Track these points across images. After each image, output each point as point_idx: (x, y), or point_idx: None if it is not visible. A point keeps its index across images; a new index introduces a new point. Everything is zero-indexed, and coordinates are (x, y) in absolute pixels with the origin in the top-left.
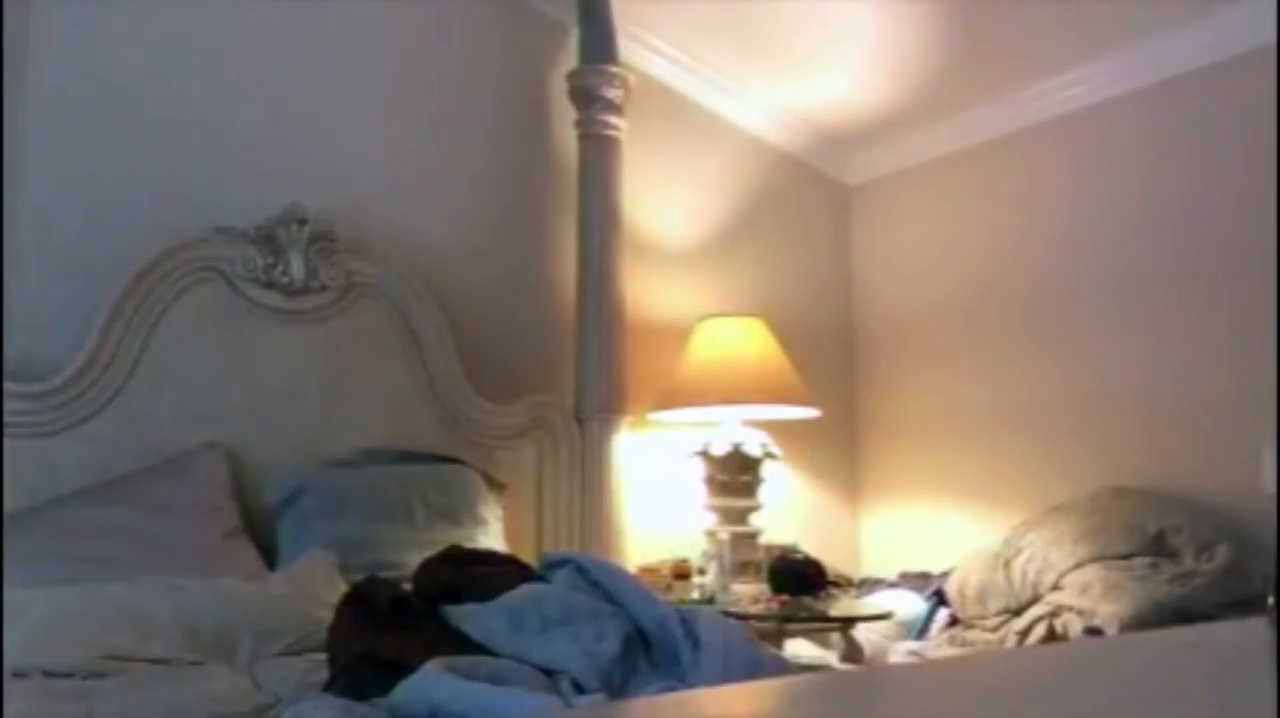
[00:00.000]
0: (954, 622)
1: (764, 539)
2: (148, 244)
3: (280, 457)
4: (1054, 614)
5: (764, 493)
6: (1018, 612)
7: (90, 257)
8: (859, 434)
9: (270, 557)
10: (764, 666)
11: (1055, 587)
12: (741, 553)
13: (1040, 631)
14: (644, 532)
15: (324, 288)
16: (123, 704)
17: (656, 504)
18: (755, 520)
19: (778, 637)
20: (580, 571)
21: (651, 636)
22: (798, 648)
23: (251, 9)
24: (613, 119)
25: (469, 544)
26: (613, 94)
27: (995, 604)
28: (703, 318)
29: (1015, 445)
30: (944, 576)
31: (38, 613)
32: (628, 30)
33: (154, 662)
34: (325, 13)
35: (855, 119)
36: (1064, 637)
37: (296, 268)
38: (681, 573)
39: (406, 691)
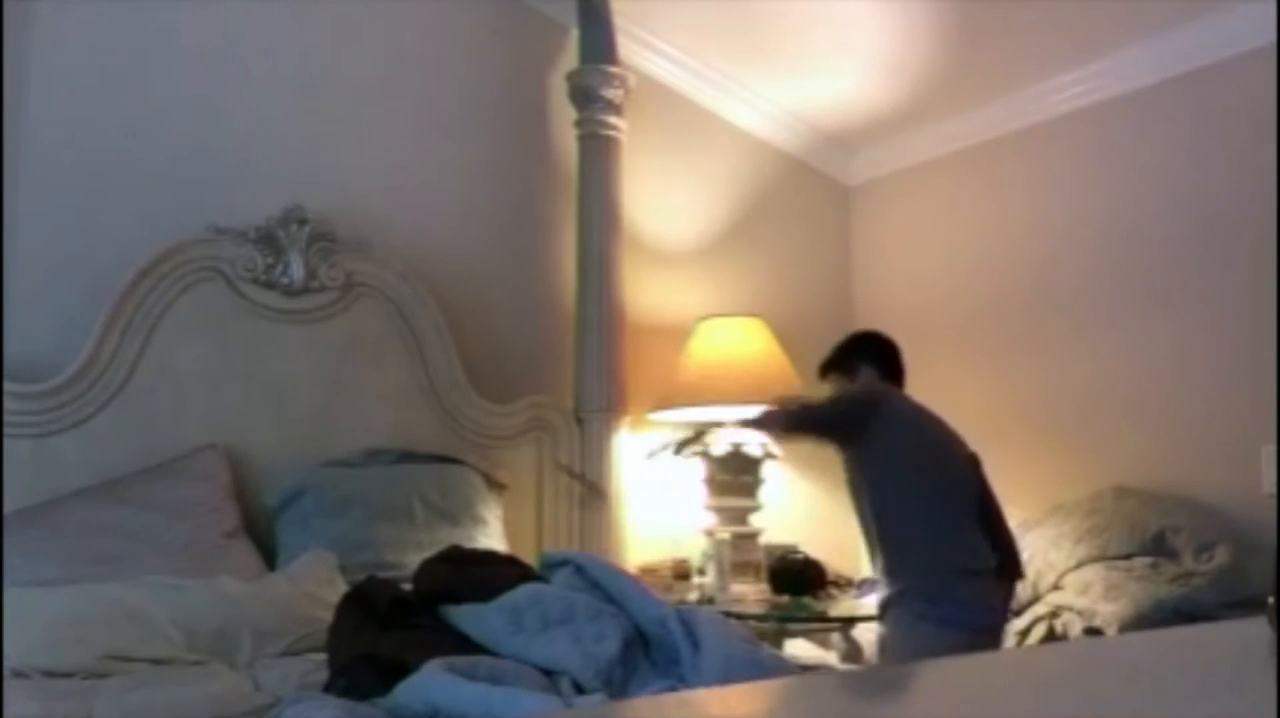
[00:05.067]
0: None
1: (764, 539)
2: (148, 244)
3: (280, 457)
4: (1054, 614)
5: (764, 493)
6: (1018, 612)
7: (91, 257)
8: None
9: (270, 557)
10: (764, 666)
11: (1055, 587)
12: (741, 553)
13: (1040, 631)
14: (644, 532)
15: (324, 288)
16: (123, 704)
17: (656, 504)
18: (755, 521)
19: (778, 637)
20: (580, 571)
21: (651, 636)
22: (798, 648)
23: (251, 9)
24: (613, 119)
25: (469, 544)
26: (613, 94)
27: None
28: (703, 318)
29: (1015, 445)
30: None
31: (38, 613)
32: (628, 30)
33: (154, 662)
34: (325, 13)
35: (855, 119)
36: (1064, 637)
37: (296, 268)
38: (681, 573)
39: (406, 691)
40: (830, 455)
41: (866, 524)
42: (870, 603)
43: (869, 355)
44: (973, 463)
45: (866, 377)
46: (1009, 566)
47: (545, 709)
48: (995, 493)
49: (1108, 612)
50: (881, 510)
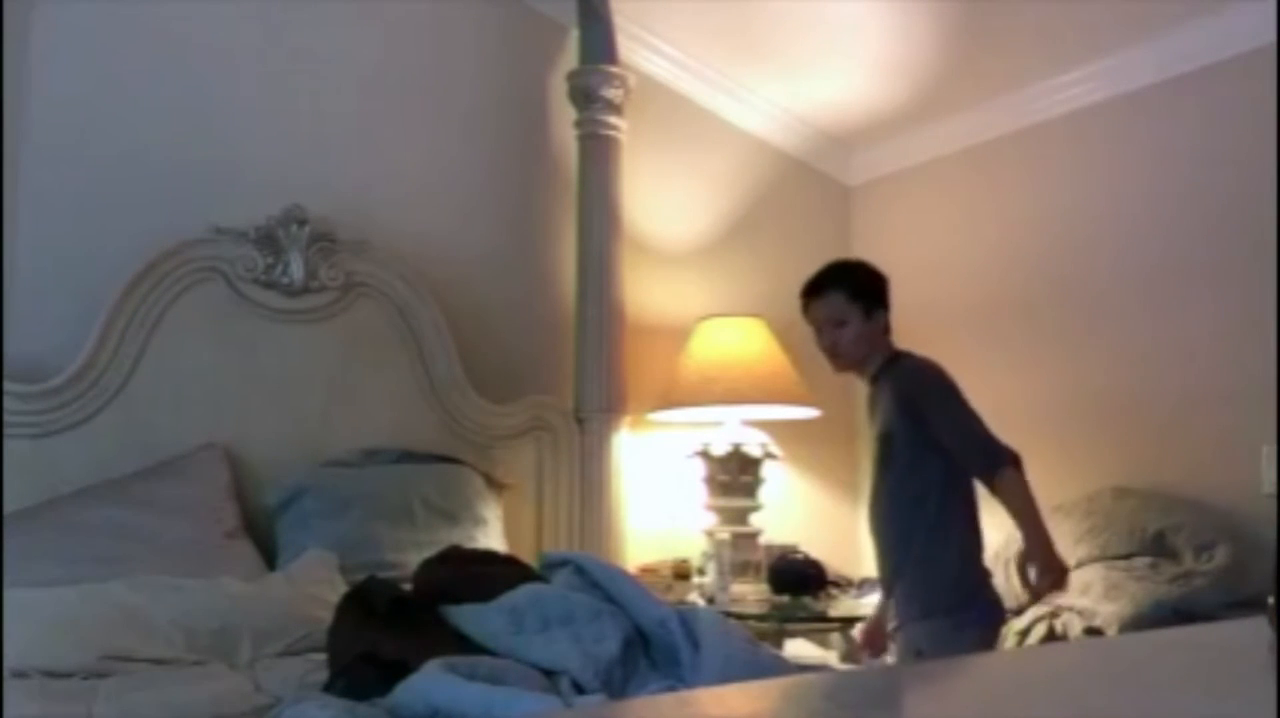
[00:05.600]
0: None
1: (764, 539)
2: (148, 244)
3: (280, 457)
4: (1054, 614)
5: (764, 493)
6: (1018, 612)
7: (91, 257)
8: (859, 434)
9: (270, 557)
10: (764, 666)
11: None
12: (741, 553)
13: (1040, 631)
14: (644, 532)
15: (324, 288)
16: (123, 704)
17: (656, 504)
18: (755, 520)
19: (778, 637)
20: (580, 571)
21: (651, 636)
22: (798, 648)
23: (251, 9)
24: (612, 119)
25: (469, 544)
26: (612, 94)
27: None
28: (703, 318)
29: (1015, 445)
30: None
31: (38, 613)
32: (628, 30)
33: (154, 662)
34: (325, 13)
35: (855, 119)
36: (1064, 637)
37: (296, 268)
38: (681, 573)
39: (406, 691)
40: (830, 457)
41: (910, 531)
42: (870, 603)
43: (886, 301)
44: None
45: (878, 323)
46: None
47: (545, 709)
48: None
49: (1108, 612)
50: (950, 513)
